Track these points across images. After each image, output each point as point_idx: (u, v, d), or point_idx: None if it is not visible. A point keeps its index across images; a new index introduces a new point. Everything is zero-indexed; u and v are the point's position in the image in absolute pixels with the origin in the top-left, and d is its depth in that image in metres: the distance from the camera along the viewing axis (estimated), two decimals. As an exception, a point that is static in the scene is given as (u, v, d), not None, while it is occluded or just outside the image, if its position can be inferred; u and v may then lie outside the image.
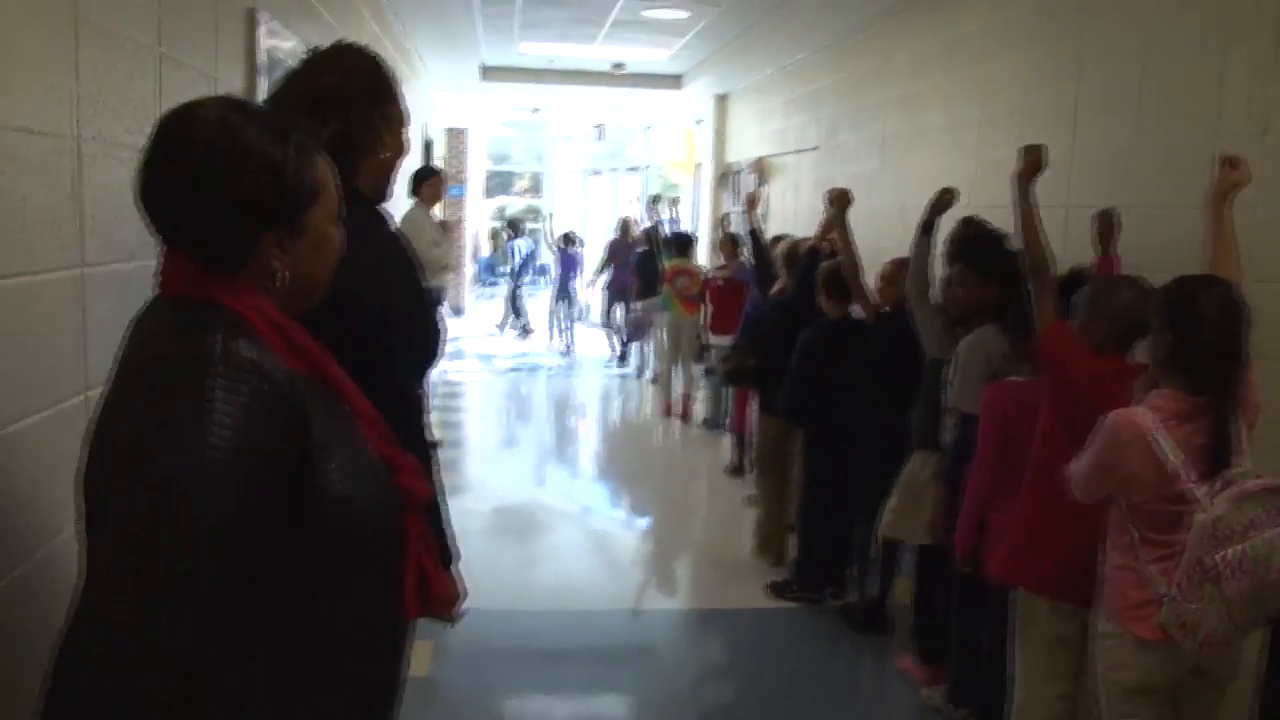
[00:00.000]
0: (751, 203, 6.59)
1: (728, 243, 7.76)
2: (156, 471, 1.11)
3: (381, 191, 2.02)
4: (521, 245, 13.76)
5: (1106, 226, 3.47)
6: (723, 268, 7.69)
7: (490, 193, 19.49)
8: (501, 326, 13.34)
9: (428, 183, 6.64)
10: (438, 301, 6.95)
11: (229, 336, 1.19)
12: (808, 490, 4.72)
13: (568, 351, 11.99)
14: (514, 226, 13.67)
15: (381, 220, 1.95)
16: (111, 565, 1.11)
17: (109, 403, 1.21)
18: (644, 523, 6.29)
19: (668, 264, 8.63)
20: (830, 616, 4.51)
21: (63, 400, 1.82)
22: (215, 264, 1.26)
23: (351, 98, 1.82)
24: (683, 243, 8.76)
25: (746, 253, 6.89)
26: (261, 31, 3.21)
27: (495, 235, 18.27)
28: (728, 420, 7.56)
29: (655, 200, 9.53)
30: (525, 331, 13.02)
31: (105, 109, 1.96)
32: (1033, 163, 2.97)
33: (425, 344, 2.01)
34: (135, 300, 1.30)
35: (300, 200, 1.29)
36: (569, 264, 12.34)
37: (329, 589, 1.29)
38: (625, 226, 11.14)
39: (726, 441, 7.29)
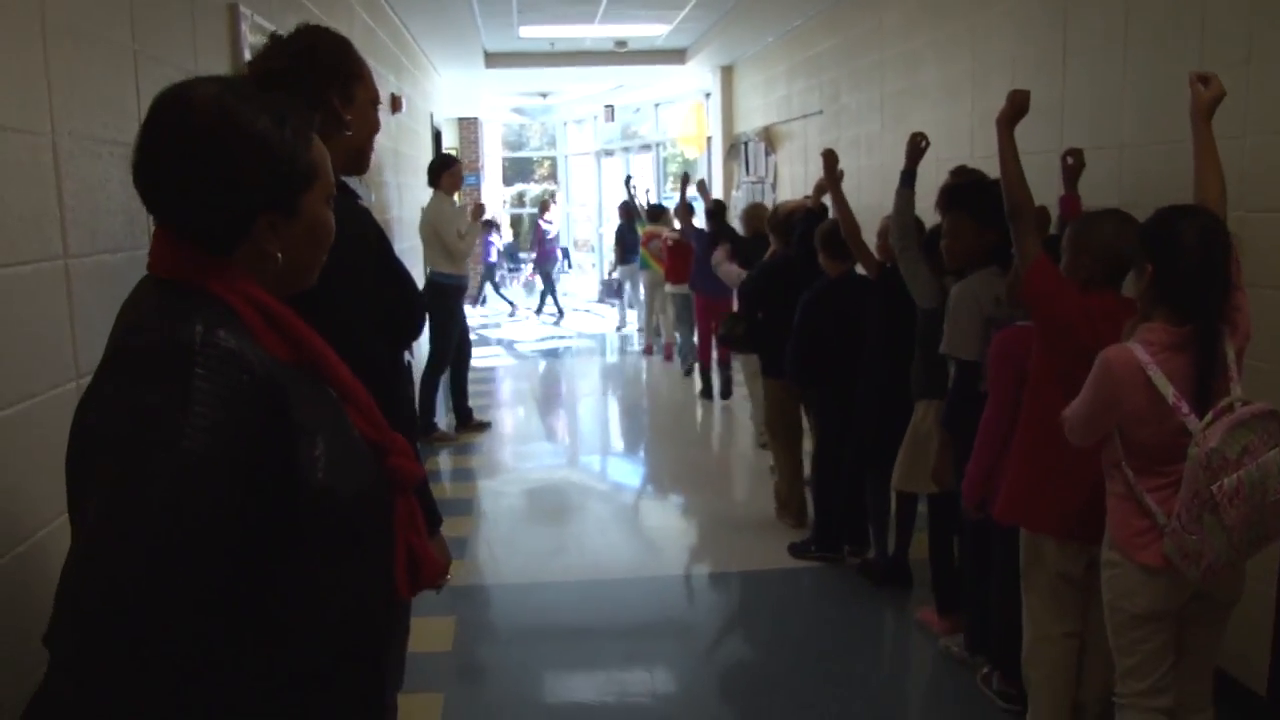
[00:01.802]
0: (700, 187, 8.47)
1: (684, 210, 8.68)
2: (133, 461, 1.10)
3: (357, 166, 2.07)
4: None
5: (1075, 165, 3.47)
6: (677, 231, 8.99)
7: (509, 180, 19.55)
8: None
9: (448, 172, 6.79)
10: (463, 289, 7.08)
11: (211, 325, 1.18)
12: (821, 451, 4.75)
13: (513, 313, 14.39)
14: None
15: (347, 193, 1.99)
16: (87, 555, 1.10)
17: (90, 388, 1.20)
18: (659, 487, 6.35)
19: (643, 230, 10.15)
20: (851, 573, 4.54)
21: (53, 388, 1.87)
22: (209, 246, 1.25)
23: (300, 79, 1.84)
24: (655, 212, 10.09)
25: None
26: (244, 26, 3.26)
27: (516, 222, 18.61)
28: (677, 354, 9.60)
29: (628, 180, 11.07)
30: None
31: (80, 105, 2.02)
32: (1017, 106, 2.94)
33: (402, 317, 2.04)
34: (125, 290, 1.31)
35: (296, 183, 1.28)
36: (487, 246, 14.53)
37: (317, 576, 1.28)
38: (544, 206, 14.57)
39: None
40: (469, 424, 7.29)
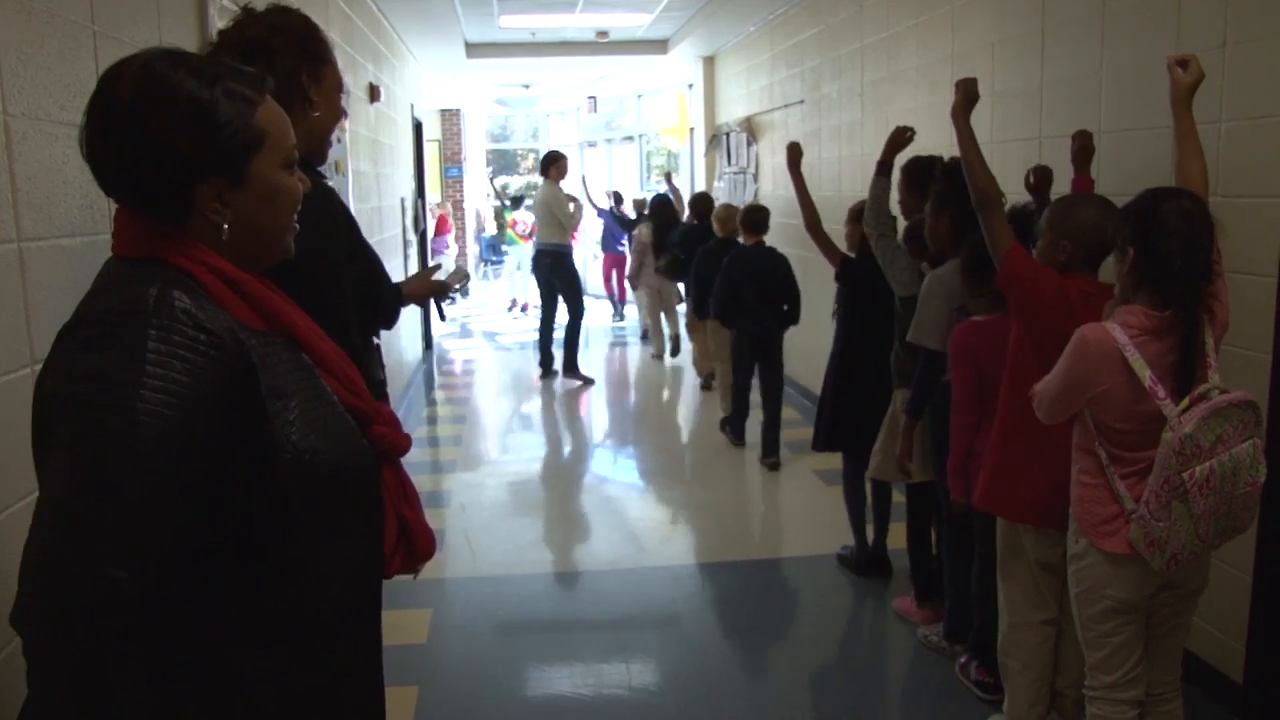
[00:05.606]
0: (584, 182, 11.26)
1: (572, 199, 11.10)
2: (89, 427, 1.08)
3: (315, 153, 2.01)
4: None
5: (1083, 148, 3.42)
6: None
7: (495, 173, 19.43)
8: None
9: (555, 165, 8.63)
10: (571, 254, 8.92)
11: (165, 288, 1.16)
12: (737, 379, 6.25)
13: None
14: None
15: (312, 172, 1.94)
16: (47, 529, 1.07)
17: (49, 357, 1.18)
18: (631, 476, 6.31)
19: (510, 216, 14.30)
20: (830, 563, 4.53)
21: (6, 374, 1.83)
22: (159, 219, 1.22)
23: (277, 51, 1.81)
24: (517, 201, 14.44)
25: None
26: (213, 9, 3.21)
27: (499, 214, 18.49)
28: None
29: (493, 177, 14.70)
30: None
31: (34, 85, 1.97)
32: (968, 93, 2.92)
33: (369, 298, 2.00)
34: (86, 275, 1.28)
35: (235, 148, 1.22)
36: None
37: (301, 546, 1.25)
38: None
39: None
40: (573, 374, 8.75)
